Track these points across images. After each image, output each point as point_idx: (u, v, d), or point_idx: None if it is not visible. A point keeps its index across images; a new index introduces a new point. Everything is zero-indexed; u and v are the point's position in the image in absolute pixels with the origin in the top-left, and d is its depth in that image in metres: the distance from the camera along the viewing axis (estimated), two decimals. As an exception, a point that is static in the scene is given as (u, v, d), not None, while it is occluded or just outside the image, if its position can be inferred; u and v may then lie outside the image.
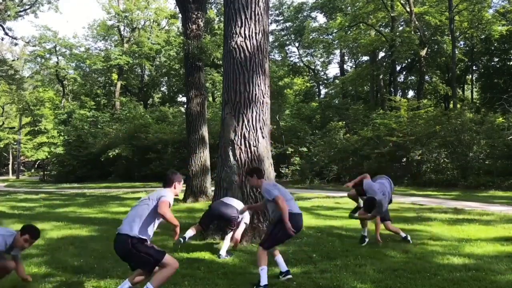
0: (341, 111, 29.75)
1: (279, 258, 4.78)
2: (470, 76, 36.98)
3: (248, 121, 6.98)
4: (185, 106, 15.93)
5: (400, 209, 10.57)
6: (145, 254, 3.89)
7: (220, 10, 36.62)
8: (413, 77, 36.92)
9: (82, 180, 31.24)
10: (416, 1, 30.71)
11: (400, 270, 5.01)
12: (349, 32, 33.99)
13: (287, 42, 43.23)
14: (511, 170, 18.18)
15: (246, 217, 6.16)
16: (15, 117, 51.66)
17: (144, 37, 39.28)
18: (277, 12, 42.18)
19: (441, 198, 13.83)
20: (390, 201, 6.66)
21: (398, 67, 35.25)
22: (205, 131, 14.18)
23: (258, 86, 7.10)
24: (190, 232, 6.00)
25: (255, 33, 7.18)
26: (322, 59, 43.99)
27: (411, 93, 38.15)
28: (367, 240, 6.52)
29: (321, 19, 63.73)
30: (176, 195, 4.21)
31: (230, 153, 6.94)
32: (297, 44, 42.94)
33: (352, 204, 12.04)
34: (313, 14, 41.89)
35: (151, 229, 4.04)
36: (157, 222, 4.07)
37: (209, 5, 37.21)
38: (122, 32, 41.93)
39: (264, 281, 4.41)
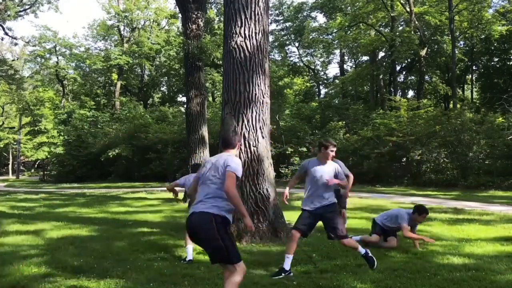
0: (341, 111, 29.75)
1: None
2: (470, 76, 36.98)
3: (248, 121, 6.98)
4: (185, 106, 15.93)
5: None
6: (222, 241, 3.30)
7: (220, 10, 36.61)
8: (413, 77, 36.92)
9: (82, 180, 31.24)
10: (416, 1, 30.72)
11: (400, 270, 5.01)
12: (349, 32, 33.99)
13: (287, 42, 43.23)
14: (511, 170, 18.19)
15: None
16: (15, 117, 51.67)
17: (144, 37, 39.28)
18: (277, 12, 42.20)
19: (441, 198, 13.83)
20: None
21: (398, 67, 35.27)
22: (205, 131, 14.18)
23: (258, 86, 7.10)
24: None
25: (255, 33, 7.18)
26: (322, 59, 44.02)
27: (411, 93, 38.19)
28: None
29: (321, 19, 63.81)
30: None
31: (230, 153, 6.94)
32: (297, 44, 42.95)
33: (351, 204, 12.05)
34: (313, 14, 41.95)
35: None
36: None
37: (209, 5, 37.21)
38: (122, 32, 41.95)
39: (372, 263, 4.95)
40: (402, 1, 29.98)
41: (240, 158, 6.93)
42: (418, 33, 28.83)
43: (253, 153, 6.94)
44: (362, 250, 5.09)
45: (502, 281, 4.61)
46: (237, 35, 7.13)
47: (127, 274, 4.88)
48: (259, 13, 7.22)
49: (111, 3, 40.64)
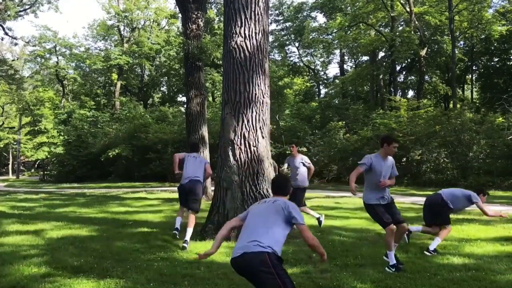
0: (341, 111, 29.74)
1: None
2: (470, 76, 36.99)
3: (248, 121, 6.98)
4: (185, 106, 15.93)
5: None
6: (281, 281, 2.94)
7: (220, 10, 36.61)
8: (413, 77, 36.93)
9: (82, 180, 31.24)
10: (416, 1, 30.72)
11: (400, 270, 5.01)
12: (349, 32, 33.99)
13: (287, 42, 43.23)
14: (511, 170, 18.20)
15: None
16: (15, 117, 51.67)
17: (144, 37, 39.27)
18: (277, 12, 42.19)
19: (441, 198, 13.81)
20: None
21: (398, 67, 35.28)
22: (205, 131, 14.18)
23: (258, 86, 7.10)
24: None
25: (255, 33, 7.18)
26: (322, 59, 44.02)
27: (411, 93, 38.20)
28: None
29: (321, 19, 63.86)
30: None
31: (230, 153, 6.94)
32: (297, 44, 42.95)
33: (351, 204, 12.06)
34: (313, 14, 41.94)
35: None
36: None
37: (209, 5, 37.21)
38: (122, 32, 41.94)
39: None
40: (402, 1, 29.98)
41: (240, 158, 6.93)
42: (418, 33, 28.84)
43: (253, 153, 6.94)
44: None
45: (502, 281, 4.61)
46: (237, 35, 7.13)
47: (127, 274, 4.88)
48: (259, 13, 7.22)
49: (111, 3, 40.63)
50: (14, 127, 51.44)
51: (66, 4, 75.55)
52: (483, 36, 31.44)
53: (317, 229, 7.80)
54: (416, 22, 28.71)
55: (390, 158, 5.37)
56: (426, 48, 29.19)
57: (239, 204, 6.76)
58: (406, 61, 34.70)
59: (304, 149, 25.34)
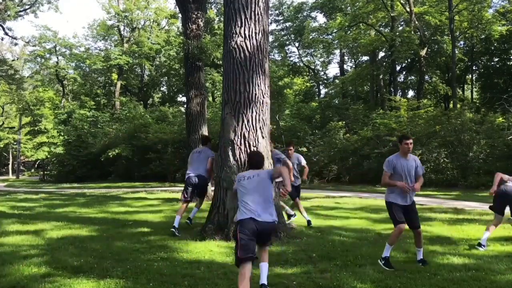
0: (341, 111, 29.73)
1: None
2: (470, 76, 36.98)
3: (248, 121, 6.98)
4: (185, 106, 15.92)
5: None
6: None
7: (220, 10, 36.61)
8: (413, 77, 36.91)
9: (82, 180, 31.23)
10: (416, 1, 30.71)
11: (400, 270, 5.01)
12: (349, 32, 33.98)
13: (287, 42, 43.21)
14: (511, 170, 18.18)
15: None
16: (15, 117, 51.67)
17: (144, 37, 39.27)
18: (277, 12, 42.18)
19: (441, 198, 13.84)
20: None
21: (398, 67, 35.26)
22: (205, 131, 14.17)
23: (258, 86, 7.10)
24: None
25: (255, 33, 7.17)
26: (322, 59, 43.99)
27: (411, 93, 38.18)
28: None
29: (321, 19, 63.82)
30: None
31: (230, 153, 6.94)
32: (297, 44, 42.93)
33: (351, 204, 12.06)
34: (313, 14, 41.92)
35: None
36: None
37: (209, 5, 37.21)
38: (122, 32, 41.93)
39: None
40: (402, 1, 29.97)
41: (240, 158, 6.93)
42: (418, 33, 28.83)
43: (253, 153, 6.94)
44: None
45: (502, 281, 4.61)
46: (237, 35, 7.13)
47: (127, 274, 4.88)
48: (259, 13, 7.22)
49: (111, 3, 40.63)
50: (14, 127, 51.45)
51: (66, 4, 75.63)
52: (483, 36, 31.43)
53: (317, 229, 7.81)
54: (416, 22, 28.70)
55: (413, 157, 5.40)
56: (426, 48, 29.18)
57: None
58: (406, 61, 34.68)
59: (304, 149, 25.35)
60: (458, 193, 15.82)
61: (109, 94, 43.29)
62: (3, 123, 52.16)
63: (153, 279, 4.66)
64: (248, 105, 7.00)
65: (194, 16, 14.13)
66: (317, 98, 41.48)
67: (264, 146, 7.10)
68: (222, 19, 27.83)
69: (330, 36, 36.98)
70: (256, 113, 7.03)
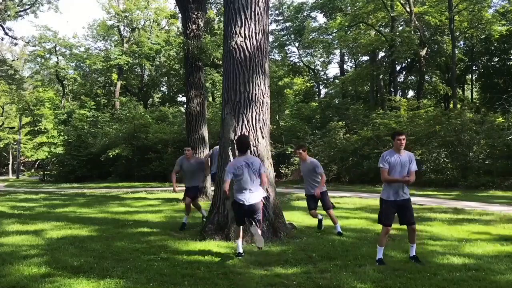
0: (341, 111, 29.73)
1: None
2: (470, 76, 36.99)
3: (248, 121, 6.98)
4: (185, 106, 15.93)
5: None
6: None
7: (220, 10, 36.60)
8: (413, 77, 36.91)
9: (82, 180, 31.24)
10: (416, 1, 30.71)
11: (400, 270, 5.01)
12: (349, 32, 33.98)
13: (287, 42, 43.19)
14: (511, 170, 18.19)
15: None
16: (15, 117, 51.68)
17: (144, 37, 39.27)
18: (277, 12, 42.16)
19: (441, 198, 13.83)
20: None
21: (398, 67, 35.26)
22: (205, 131, 14.19)
23: (258, 86, 7.10)
24: None
25: (255, 33, 7.17)
26: (322, 59, 44.00)
27: (411, 93, 38.17)
28: None
29: (321, 19, 63.82)
30: None
31: (230, 153, 6.94)
32: (297, 44, 42.91)
33: (351, 204, 12.06)
34: (313, 14, 41.89)
35: None
36: None
37: (209, 5, 37.19)
38: (122, 32, 41.95)
39: None
40: (402, 1, 29.97)
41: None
42: (418, 33, 28.83)
43: (253, 153, 6.94)
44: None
45: (502, 281, 4.61)
46: (237, 35, 7.13)
47: (127, 274, 4.88)
48: (259, 13, 7.22)
49: (111, 3, 40.63)
50: (14, 127, 51.45)
51: (66, 4, 75.63)
52: (483, 36, 31.44)
53: (317, 229, 7.80)
54: (416, 22, 28.70)
55: (408, 153, 5.44)
56: (426, 48, 29.19)
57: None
58: (406, 61, 34.69)
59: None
60: (458, 193, 15.81)
61: (109, 94, 43.30)
62: (3, 123, 52.16)
63: (153, 279, 4.66)
64: (248, 105, 7.00)
65: (194, 16, 14.14)
66: (317, 98, 41.49)
67: (264, 146, 7.10)
68: (222, 19, 27.78)
69: (330, 36, 36.98)
70: (256, 113, 7.04)
